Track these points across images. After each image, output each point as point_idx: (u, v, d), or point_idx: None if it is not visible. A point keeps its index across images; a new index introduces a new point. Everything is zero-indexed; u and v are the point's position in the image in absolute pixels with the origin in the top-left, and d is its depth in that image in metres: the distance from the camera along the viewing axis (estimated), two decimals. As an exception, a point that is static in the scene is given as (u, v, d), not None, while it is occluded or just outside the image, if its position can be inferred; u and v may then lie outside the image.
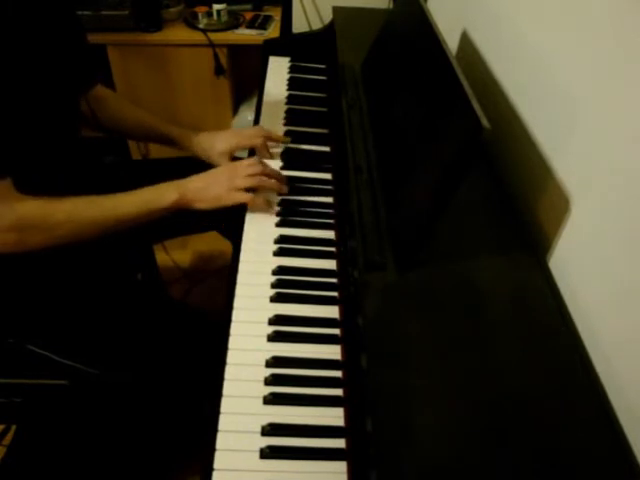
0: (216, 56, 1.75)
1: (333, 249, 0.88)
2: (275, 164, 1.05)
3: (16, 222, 0.79)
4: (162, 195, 0.88)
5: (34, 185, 0.82)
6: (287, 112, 1.22)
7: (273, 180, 0.94)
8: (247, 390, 0.68)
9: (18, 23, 0.78)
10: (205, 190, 0.89)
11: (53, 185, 0.85)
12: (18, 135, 0.80)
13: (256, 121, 1.20)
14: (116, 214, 0.86)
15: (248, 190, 0.91)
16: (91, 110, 1.05)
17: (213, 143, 1.08)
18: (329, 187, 1.01)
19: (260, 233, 0.90)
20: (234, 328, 0.75)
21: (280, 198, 0.96)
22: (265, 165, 0.94)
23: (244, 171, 0.91)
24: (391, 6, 1.76)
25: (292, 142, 1.11)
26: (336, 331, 0.76)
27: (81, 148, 1.07)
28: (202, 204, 0.89)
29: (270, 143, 1.08)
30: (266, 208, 0.93)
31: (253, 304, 0.79)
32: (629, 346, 0.60)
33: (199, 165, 1.02)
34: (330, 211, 0.96)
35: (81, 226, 0.84)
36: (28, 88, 0.81)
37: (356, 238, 0.75)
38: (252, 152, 1.07)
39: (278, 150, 1.09)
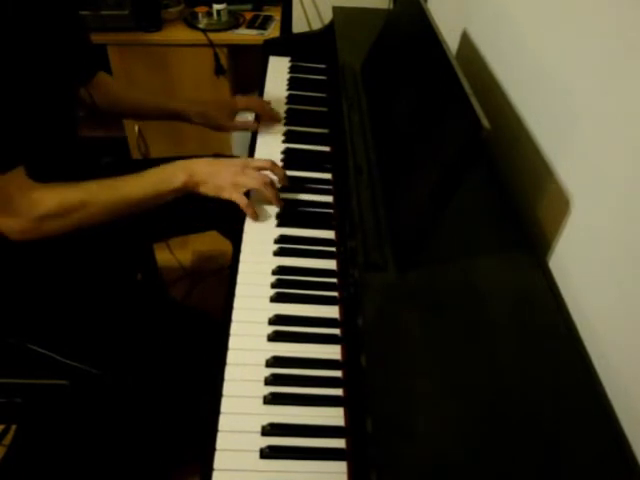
0: (216, 56, 1.74)
1: (333, 249, 0.88)
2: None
3: (33, 211, 0.81)
4: (171, 177, 0.90)
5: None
6: (287, 112, 1.21)
7: (273, 192, 0.93)
8: (247, 390, 0.68)
9: (18, 18, 0.78)
10: (212, 176, 0.90)
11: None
12: (21, 130, 0.80)
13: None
14: (127, 197, 0.88)
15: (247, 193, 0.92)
16: (90, 95, 1.06)
17: (216, 108, 1.14)
18: (329, 187, 1.01)
19: (260, 233, 0.90)
20: (234, 328, 0.75)
21: (281, 198, 0.96)
22: (274, 174, 0.94)
23: (252, 172, 0.91)
24: (391, 6, 1.76)
25: (292, 141, 1.12)
26: (336, 331, 0.76)
27: (79, 148, 1.07)
28: (206, 188, 0.91)
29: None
30: (254, 217, 0.91)
31: (253, 304, 0.79)
32: (629, 346, 0.60)
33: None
34: (330, 211, 0.96)
35: (95, 210, 0.86)
36: (27, 84, 0.81)
37: (356, 238, 0.75)
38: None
39: (278, 149, 1.09)
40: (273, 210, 0.94)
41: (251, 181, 0.91)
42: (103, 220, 0.88)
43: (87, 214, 0.85)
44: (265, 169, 0.93)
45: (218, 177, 0.90)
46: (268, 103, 1.20)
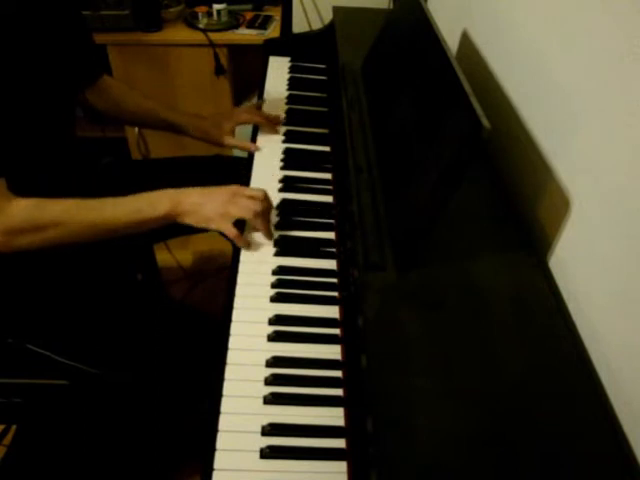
0: (216, 56, 1.74)
1: (333, 249, 0.88)
2: (275, 164, 1.05)
3: (4, 224, 0.78)
4: (154, 205, 0.85)
5: (29, 187, 0.82)
6: (287, 112, 1.22)
7: (263, 223, 0.87)
8: (247, 390, 0.68)
9: (20, 20, 0.78)
10: (200, 206, 0.86)
11: (49, 187, 0.84)
12: (14, 134, 0.80)
13: (256, 121, 1.20)
14: (106, 221, 0.84)
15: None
16: (86, 99, 1.05)
17: (216, 124, 1.13)
18: (329, 187, 1.01)
19: (260, 233, 0.90)
20: (234, 328, 0.75)
21: (281, 198, 0.96)
22: (265, 205, 0.88)
23: (242, 201, 0.86)
24: (391, 6, 1.76)
25: (292, 141, 1.12)
26: (336, 331, 0.76)
27: (77, 148, 1.07)
28: (192, 219, 0.86)
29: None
30: (247, 247, 0.87)
31: (253, 304, 0.79)
32: (629, 345, 0.60)
33: (199, 165, 1.02)
34: (330, 211, 0.96)
35: (70, 230, 0.82)
36: (26, 85, 0.81)
37: (356, 238, 0.75)
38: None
39: (279, 149, 1.09)
40: (274, 209, 0.93)
41: (240, 211, 0.85)
42: (80, 241, 0.84)
43: (61, 233, 0.82)
44: (256, 199, 0.87)
45: (206, 208, 0.85)
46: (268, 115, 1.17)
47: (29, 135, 0.85)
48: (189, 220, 0.86)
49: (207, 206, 0.86)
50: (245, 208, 0.85)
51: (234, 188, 0.88)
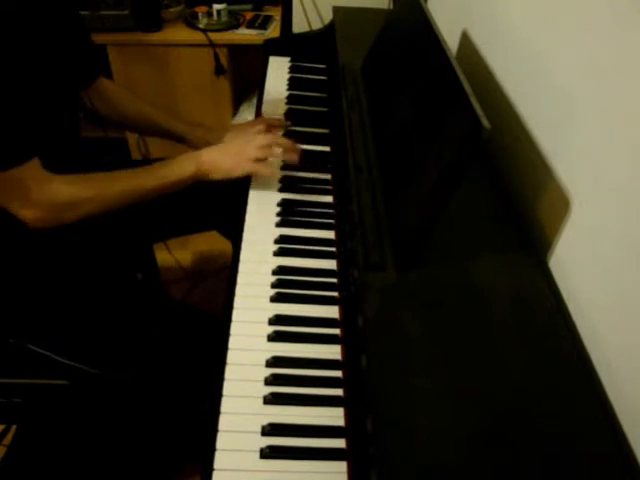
0: (216, 56, 1.75)
1: (333, 249, 0.88)
2: (275, 164, 1.05)
3: (49, 201, 0.84)
4: (180, 169, 0.93)
5: None
6: (287, 112, 1.21)
7: (281, 150, 0.97)
8: (247, 390, 0.68)
9: (20, 19, 0.78)
10: (220, 161, 0.93)
11: None
12: (33, 123, 0.81)
13: (256, 121, 1.19)
14: (138, 189, 0.91)
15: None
16: (91, 102, 1.05)
17: (219, 138, 1.11)
18: (329, 187, 1.01)
19: (260, 233, 0.90)
20: (234, 328, 0.75)
21: (281, 198, 0.96)
22: (274, 134, 0.99)
23: (256, 142, 0.94)
24: (391, 6, 1.76)
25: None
26: (336, 331, 0.76)
27: (80, 148, 1.07)
28: (217, 175, 0.93)
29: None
30: (273, 175, 0.97)
31: (253, 304, 0.79)
32: (629, 345, 0.60)
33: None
34: (330, 211, 0.96)
35: (107, 201, 0.90)
36: (31, 84, 0.81)
37: (356, 238, 0.75)
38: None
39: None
40: (274, 209, 0.93)
41: (259, 151, 0.93)
42: (116, 208, 0.91)
43: (100, 204, 0.89)
44: (268, 146, 0.95)
45: (226, 160, 0.93)
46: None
47: (42, 130, 0.85)
48: (215, 176, 0.94)
49: (227, 159, 0.94)
50: (261, 149, 0.94)
51: (243, 137, 0.98)
